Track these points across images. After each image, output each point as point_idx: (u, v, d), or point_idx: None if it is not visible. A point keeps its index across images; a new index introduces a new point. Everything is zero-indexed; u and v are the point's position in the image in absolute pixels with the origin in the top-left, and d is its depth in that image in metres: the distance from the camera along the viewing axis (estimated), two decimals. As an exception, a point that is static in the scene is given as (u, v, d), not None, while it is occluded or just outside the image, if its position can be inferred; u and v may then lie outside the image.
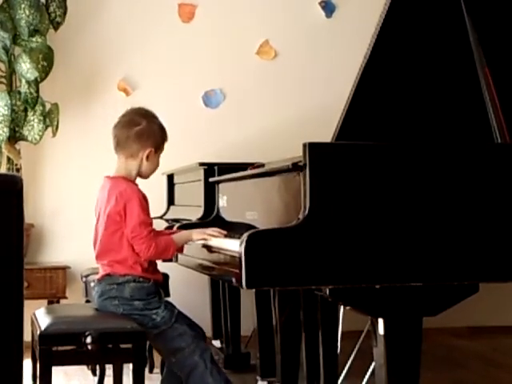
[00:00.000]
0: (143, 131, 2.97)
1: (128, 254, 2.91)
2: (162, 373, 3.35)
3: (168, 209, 4.54)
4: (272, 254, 2.20)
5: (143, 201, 2.93)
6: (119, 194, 2.91)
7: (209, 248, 2.94)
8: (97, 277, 3.00)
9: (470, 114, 2.84)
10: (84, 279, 4.04)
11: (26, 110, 4.52)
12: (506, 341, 4.94)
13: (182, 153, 4.75)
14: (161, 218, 4.39)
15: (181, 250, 3.06)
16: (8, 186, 2.09)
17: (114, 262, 2.92)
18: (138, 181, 3.05)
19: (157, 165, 3.04)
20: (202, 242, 2.98)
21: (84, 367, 4.04)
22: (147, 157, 2.98)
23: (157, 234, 2.98)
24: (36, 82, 4.49)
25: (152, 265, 2.98)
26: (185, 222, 3.63)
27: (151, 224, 2.95)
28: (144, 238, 2.88)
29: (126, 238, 2.90)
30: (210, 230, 2.99)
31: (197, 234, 3.00)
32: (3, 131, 4.43)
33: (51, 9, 4.65)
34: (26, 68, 4.42)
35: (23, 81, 4.49)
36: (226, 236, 2.92)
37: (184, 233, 3.06)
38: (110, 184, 2.97)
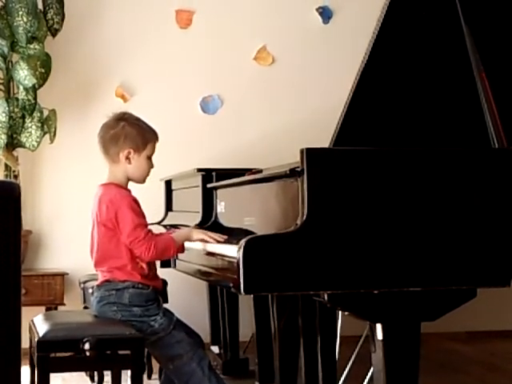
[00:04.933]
0: (119, 133, 2.97)
1: (127, 260, 2.91)
2: (160, 379, 3.35)
3: (166, 215, 4.54)
4: (270, 259, 2.20)
5: (133, 203, 2.92)
6: (109, 202, 2.91)
7: (207, 254, 2.94)
8: (96, 283, 3.00)
9: (468, 119, 2.85)
10: (82, 285, 4.04)
11: (23, 117, 4.52)
12: (504, 345, 4.95)
13: (179, 159, 4.76)
14: (159, 223, 4.38)
15: (182, 249, 3.05)
16: (6, 192, 2.09)
17: (113, 268, 2.92)
18: (135, 186, 3.05)
19: (146, 167, 3.01)
20: (201, 243, 2.98)
21: (82, 373, 4.04)
22: (128, 158, 2.97)
23: (155, 234, 2.99)
24: (34, 89, 4.49)
25: (152, 270, 2.98)
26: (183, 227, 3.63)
27: (147, 225, 2.94)
28: (142, 240, 2.87)
29: (122, 244, 2.90)
30: (211, 233, 2.99)
31: (196, 234, 3.00)
32: (1, 138, 4.43)
33: (49, 15, 4.65)
34: (23, 75, 4.42)
35: (21, 87, 4.49)
36: (224, 241, 2.92)
37: (183, 231, 3.06)
38: (101, 191, 2.97)
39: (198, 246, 3.09)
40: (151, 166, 3.03)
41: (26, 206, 4.61)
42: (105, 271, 2.95)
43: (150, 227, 2.97)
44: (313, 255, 2.21)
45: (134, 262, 2.91)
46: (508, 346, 4.93)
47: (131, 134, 2.97)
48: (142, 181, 3.04)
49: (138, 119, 3.04)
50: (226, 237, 2.96)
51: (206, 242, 2.96)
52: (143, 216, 2.94)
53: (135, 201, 2.95)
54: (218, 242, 2.92)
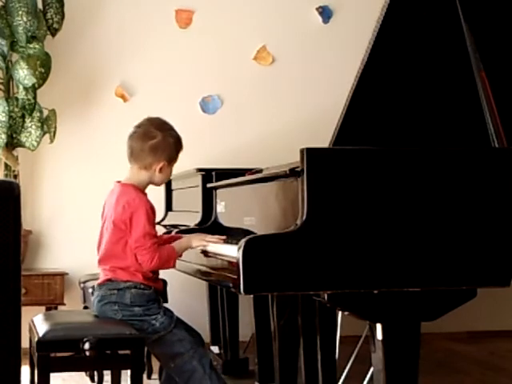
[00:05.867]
0: (158, 145, 2.97)
1: (131, 262, 2.91)
2: (160, 379, 3.35)
3: (166, 214, 4.54)
4: (270, 259, 2.20)
5: (150, 212, 2.92)
6: (127, 203, 2.90)
7: (207, 254, 2.94)
8: (97, 281, 3.00)
9: (468, 119, 2.85)
10: (82, 285, 4.04)
11: (23, 117, 4.52)
12: (504, 345, 4.94)
13: (179, 158, 4.74)
14: (159, 223, 4.38)
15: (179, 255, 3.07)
16: (5, 192, 2.09)
17: (116, 267, 2.93)
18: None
19: (170, 175, 3.06)
20: (202, 248, 2.99)
21: (82, 373, 4.03)
22: (160, 169, 2.98)
23: (160, 243, 2.98)
24: (33, 89, 4.49)
25: (155, 273, 2.99)
26: (183, 228, 3.63)
27: (155, 235, 2.95)
28: (147, 249, 2.88)
29: (129, 247, 2.90)
30: (210, 237, 3.00)
31: (196, 241, 3.01)
32: (1, 138, 4.43)
33: (49, 15, 4.65)
34: (23, 74, 4.42)
35: (21, 87, 4.49)
36: (224, 242, 2.93)
37: (184, 240, 3.06)
38: (119, 191, 2.97)
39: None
40: None
41: (25, 205, 4.61)
42: (107, 270, 2.95)
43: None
44: (313, 255, 2.21)
45: (137, 265, 2.91)
46: (508, 346, 4.93)
47: (169, 148, 2.99)
48: (160, 185, 3.08)
49: (172, 128, 3.04)
50: (224, 237, 2.97)
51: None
52: (154, 226, 2.95)
53: (152, 208, 2.95)
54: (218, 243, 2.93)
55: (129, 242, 2.90)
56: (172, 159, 3.02)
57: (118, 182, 3.02)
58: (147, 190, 3.05)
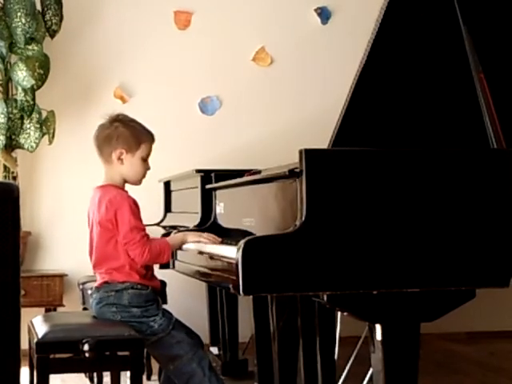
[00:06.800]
0: (111, 134, 2.99)
1: (125, 261, 2.91)
2: (159, 380, 3.35)
3: (165, 216, 4.54)
4: (269, 260, 2.20)
5: (134, 206, 2.93)
6: (109, 202, 2.91)
7: (206, 255, 2.94)
8: (95, 284, 3.00)
9: (466, 120, 2.85)
10: (81, 287, 4.04)
11: (22, 118, 4.52)
12: (504, 346, 4.94)
13: (178, 160, 4.76)
14: (158, 224, 4.38)
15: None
16: (4, 193, 2.09)
17: (111, 269, 2.93)
18: (134, 187, 3.05)
19: (139, 168, 3.00)
20: (197, 244, 2.99)
21: (82, 375, 4.03)
22: (120, 159, 2.97)
23: (151, 238, 2.99)
24: (32, 90, 4.49)
25: (150, 270, 2.99)
26: (182, 229, 3.63)
27: (144, 229, 2.94)
28: (137, 242, 2.88)
29: (120, 245, 2.90)
30: (206, 235, 3.00)
31: (192, 237, 3.02)
32: None
33: (47, 17, 4.65)
34: (22, 76, 4.42)
35: (19, 89, 4.49)
36: (222, 243, 2.93)
37: (179, 235, 3.07)
38: (100, 193, 2.97)
39: (197, 247, 3.09)
40: (147, 167, 3.03)
41: (24, 207, 4.59)
42: (103, 273, 2.95)
43: (147, 231, 2.98)
44: (312, 256, 2.21)
45: (132, 262, 2.91)
46: (508, 346, 4.93)
47: (124, 135, 2.98)
48: (137, 182, 3.04)
49: (133, 120, 3.05)
50: (220, 239, 2.98)
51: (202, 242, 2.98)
52: (141, 220, 2.95)
53: (135, 203, 2.95)
54: (214, 243, 2.93)
55: (118, 239, 2.90)
56: (131, 148, 2.98)
57: (96, 187, 3.03)
58: (143, 191, 3.05)
